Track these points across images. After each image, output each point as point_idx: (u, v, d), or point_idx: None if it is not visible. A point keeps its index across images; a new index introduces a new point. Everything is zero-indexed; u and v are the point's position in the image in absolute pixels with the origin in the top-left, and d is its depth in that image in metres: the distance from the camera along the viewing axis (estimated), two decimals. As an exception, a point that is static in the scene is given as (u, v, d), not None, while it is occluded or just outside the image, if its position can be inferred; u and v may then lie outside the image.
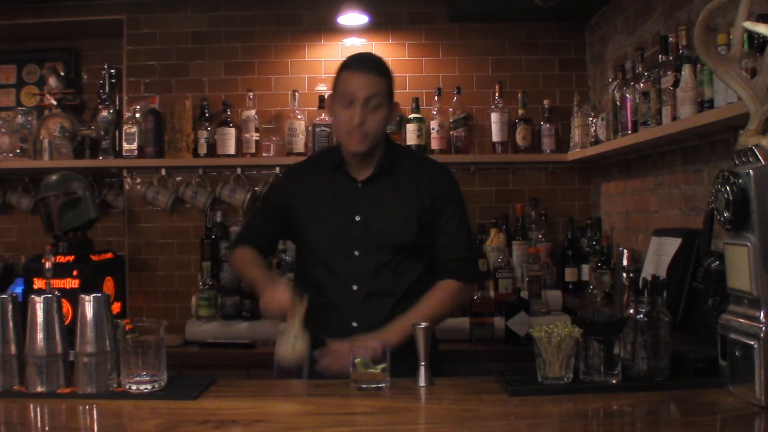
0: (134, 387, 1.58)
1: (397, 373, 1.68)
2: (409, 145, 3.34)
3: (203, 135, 3.44)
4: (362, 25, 3.48)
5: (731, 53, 1.62)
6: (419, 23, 3.55)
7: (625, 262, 2.68)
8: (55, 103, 3.50)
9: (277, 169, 3.45)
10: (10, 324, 1.62)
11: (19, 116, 3.50)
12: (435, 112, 3.44)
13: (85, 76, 3.63)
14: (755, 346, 1.41)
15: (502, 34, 3.57)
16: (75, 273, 2.82)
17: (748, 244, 1.44)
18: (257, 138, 3.45)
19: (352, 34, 3.55)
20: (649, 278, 1.67)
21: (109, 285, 3.09)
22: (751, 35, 1.80)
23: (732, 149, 1.57)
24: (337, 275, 2.02)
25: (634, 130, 2.55)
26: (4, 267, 3.54)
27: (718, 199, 1.51)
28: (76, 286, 2.79)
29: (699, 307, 1.98)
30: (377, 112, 1.99)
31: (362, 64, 2.03)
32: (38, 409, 1.54)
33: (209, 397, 1.61)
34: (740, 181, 1.46)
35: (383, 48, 3.46)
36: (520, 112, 3.47)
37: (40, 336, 1.58)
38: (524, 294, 3.04)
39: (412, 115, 3.39)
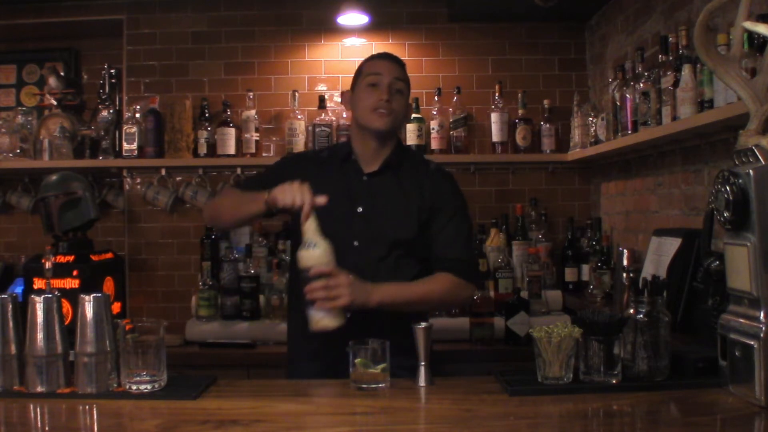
0: (134, 387, 1.58)
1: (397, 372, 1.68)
2: (409, 146, 3.34)
3: (203, 135, 3.44)
4: (362, 25, 3.49)
5: (731, 53, 1.62)
6: (419, 23, 3.55)
7: (625, 262, 2.68)
8: (55, 103, 3.50)
9: (277, 169, 3.45)
10: (10, 324, 1.62)
11: (19, 116, 3.50)
12: (435, 112, 3.44)
13: (85, 76, 3.63)
14: (755, 346, 1.41)
15: (502, 34, 3.57)
16: (75, 273, 2.82)
17: (748, 244, 1.44)
18: (257, 138, 3.45)
19: (352, 34, 3.55)
20: (649, 278, 1.67)
21: (109, 285, 3.09)
22: (751, 35, 1.80)
23: (732, 149, 1.57)
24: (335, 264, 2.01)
25: (634, 130, 2.55)
26: (4, 267, 3.54)
27: (718, 199, 1.51)
28: (76, 286, 2.78)
29: (699, 307, 1.98)
30: (401, 96, 2.08)
31: (388, 55, 2.18)
32: (38, 409, 1.54)
33: (209, 397, 1.61)
34: (740, 181, 1.46)
35: (383, 48, 3.43)
36: (520, 112, 3.47)
37: (40, 336, 1.58)
38: (524, 294, 3.04)
39: (412, 115, 3.39)
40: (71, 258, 2.87)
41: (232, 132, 3.42)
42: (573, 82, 3.56)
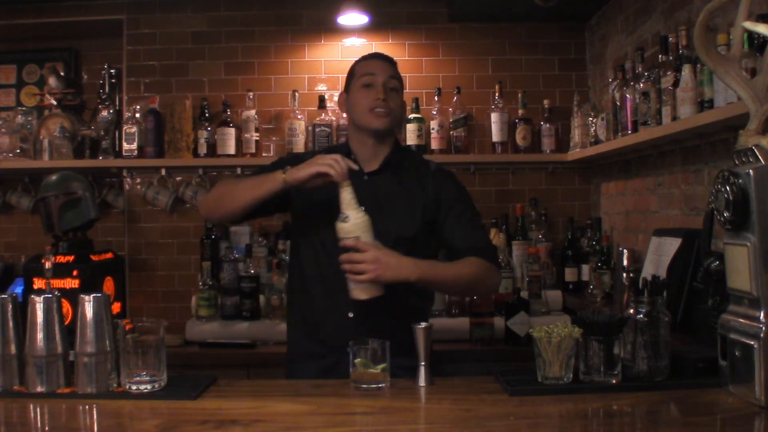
0: (134, 387, 1.58)
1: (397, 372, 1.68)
2: (409, 145, 3.34)
3: (203, 135, 3.44)
4: (362, 25, 3.49)
5: (731, 53, 1.62)
6: (419, 23, 3.55)
7: (625, 262, 2.68)
8: (55, 103, 3.50)
9: (277, 169, 3.45)
10: (10, 324, 1.62)
11: (19, 116, 3.50)
12: (435, 112, 3.44)
13: (85, 76, 3.63)
14: (755, 346, 1.41)
15: (502, 34, 3.57)
16: (75, 273, 2.82)
17: (748, 244, 1.44)
18: (257, 138, 3.45)
19: (352, 34, 3.55)
20: (649, 278, 1.67)
21: (109, 285, 3.09)
22: (751, 35, 1.80)
23: (732, 149, 1.57)
24: (334, 265, 2.01)
25: (634, 130, 2.55)
26: (4, 267, 3.54)
27: (718, 199, 1.51)
28: (76, 286, 2.79)
29: (699, 307, 1.98)
30: (396, 95, 2.09)
31: (379, 54, 2.18)
32: (38, 409, 1.54)
33: (209, 397, 1.61)
34: (740, 181, 1.46)
35: (383, 48, 3.44)
36: (520, 112, 3.47)
37: (40, 336, 1.58)
38: (524, 294, 3.04)
39: (412, 115, 3.39)
40: (71, 258, 2.88)
41: (232, 132, 3.42)
42: (573, 82, 3.56)
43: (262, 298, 3.16)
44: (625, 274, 2.61)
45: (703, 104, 2.05)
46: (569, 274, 3.34)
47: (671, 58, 2.33)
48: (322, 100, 3.44)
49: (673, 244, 2.34)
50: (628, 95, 2.60)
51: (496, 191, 3.55)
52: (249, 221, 2.57)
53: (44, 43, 3.69)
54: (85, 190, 3.06)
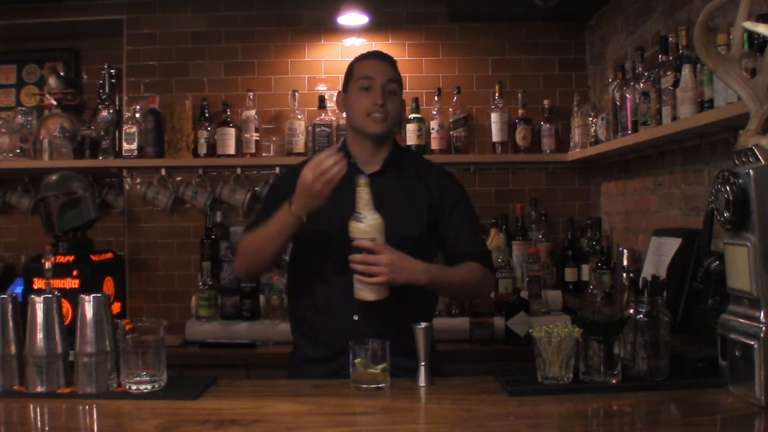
0: (134, 387, 1.58)
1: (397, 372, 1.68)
2: (409, 146, 3.34)
3: (203, 135, 3.44)
4: (362, 25, 3.48)
5: (731, 53, 1.62)
6: (419, 23, 3.55)
7: (625, 262, 2.68)
8: (55, 103, 3.50)
9: (277, 169, 3.45)
10: (10, 324, 1.62)
11: (19, 116, 3.50)
12: (435, 112, 3.44)
13: (85, 76, 3.63)
14: (755, 346, 1.41)
15: (502, 34, 3.57)
16: (75, 273, 2.82)
17: (748, 244, 1.44)
18: (257, 138, 3.45)
19: (352, 34, 3.55)
20: (649, 278, 1.67)
21: (109, 285, 3.09)
22: (751, 35, 1.80)
23: (732, 149, 1.57)
24: (340, 267, 2.00)
25: (634, 130, 2.55)
26: (4, 267, 3.54)
27: (718, 199, 1.51)
28: (76, 286, 2.79)
29: (699, 307, 1.98)
30: (394, 97, 2.06)
31: (378, 54, 2.14)
32: (38, 409, 1.54)
33: (209, 397, 1.61)
34: (740, 181, 1.46)
35: (383, 48, 3.38)
36: (520, 112, 3.47)
37: (40, 336, 1.58)
38: (524, 294, 3.04)
39: (412, 115, 3.39)
40: (71, 258, 2.88)
41: (232, 132, 3.42)
42: (573, 82, 3.56)
43: (262, 298, 3.17)
44: (625, 274, 2.60)
45: (703, 104, 2.05)
46: (569, 274, 3.34)
47: (671, 58, 2.33)
48: (322, 100, 3.44)
49: (673, 244, 2.34)
50: (628, 95, 2.60)
51: (496, 191, 3.55)
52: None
53: (44, 43, 3.69)
54: (85, 190, 3.06)
